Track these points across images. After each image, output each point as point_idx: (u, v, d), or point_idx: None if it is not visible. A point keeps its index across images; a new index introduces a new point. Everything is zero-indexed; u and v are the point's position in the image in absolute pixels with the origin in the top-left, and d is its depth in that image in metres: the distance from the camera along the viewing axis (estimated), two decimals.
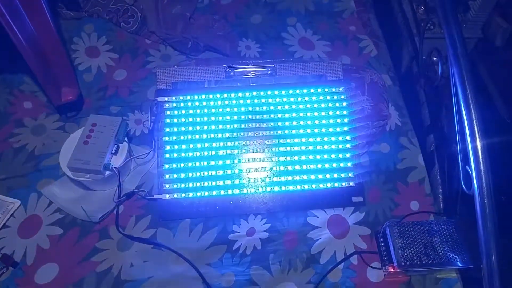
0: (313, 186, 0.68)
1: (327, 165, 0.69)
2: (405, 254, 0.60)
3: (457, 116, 0.63)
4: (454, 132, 0.65)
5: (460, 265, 0.60)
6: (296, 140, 0.70)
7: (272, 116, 0.71)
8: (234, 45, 0.87)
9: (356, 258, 0.64)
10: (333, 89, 0.73)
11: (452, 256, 0.60)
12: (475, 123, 0.60)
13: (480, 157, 0.59)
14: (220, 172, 0.68)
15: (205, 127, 0.70)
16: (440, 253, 0.60)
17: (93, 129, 0.67)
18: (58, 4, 0.88)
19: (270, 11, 0.95)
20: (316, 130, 0.71)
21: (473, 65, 0.76)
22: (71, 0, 0.88)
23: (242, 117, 0.71)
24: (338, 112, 0.72)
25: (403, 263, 0.59)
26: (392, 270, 0.61)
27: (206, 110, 0.71)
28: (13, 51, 0.65)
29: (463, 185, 0.62)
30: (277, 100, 0.72)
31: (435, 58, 0.77)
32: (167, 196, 0.66)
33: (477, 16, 0.81)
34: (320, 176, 0.68)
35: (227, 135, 0.70)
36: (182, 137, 0.69)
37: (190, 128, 0.70)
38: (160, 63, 0.84)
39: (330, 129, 0.71)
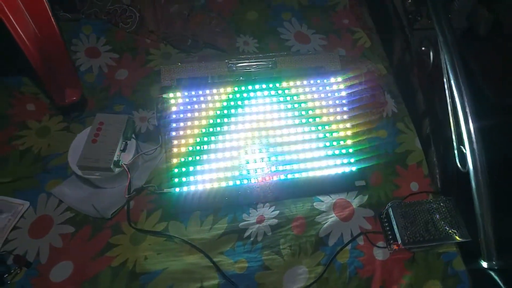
0: (318, 173, 0.70)
1: (330, 152, 0.72)
2: (408, 232, 0.63)
3: (450, 99, 0.67)
4: (447, 116, 0.69)
5: (459, 239, 0.63)
6: (299, 129, 0.72)
7: (275, 107, 0.73)
8: (232, 41, 0.89)
9: (362, 238, 0.67)
10: (332, 80, 0.76)
11: (452, 231, 0.63)
12: (466, 104, 0.64)
13: (473, 136, 0.63)
14: (228, 164, 0.69)
15: (211, 121, 0.72)
16: (440, 229, 0.63)
17: (101, 127, 0.68)
18: (54, 6, 0.88)
19: (265, 6, 0.97)
20: (317, 120, 0.73)
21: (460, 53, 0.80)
22: (68, 2, 0.89)
23: (246, 109, 0.73)
24: (338, 101, 0.75)
25: (407, 241, 0.62)
26: (397, 247, 0.64)
27: (210, 105, 0.73)
28: (12, 54, 0.65)
29: (458, 164, 0.66)
30: (279, 92, 0.74)
31: (426, 48, 0.81)
32: (177, 189, 0.68)
33: (462, 7, 0.85)
34: (324, 163, 0.71)
35: (232, 127, 0.72)
36: (188, 132, 0.71)
37: (196, 122, 0.71)
38: (161, 62, 0.85)
39: (331, 118, 0.74)
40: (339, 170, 0.71)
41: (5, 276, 0.58)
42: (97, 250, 0.63)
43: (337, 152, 0.72)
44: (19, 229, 0.65)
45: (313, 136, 0.72)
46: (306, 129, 0.73)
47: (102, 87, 0.82)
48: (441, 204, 0.66)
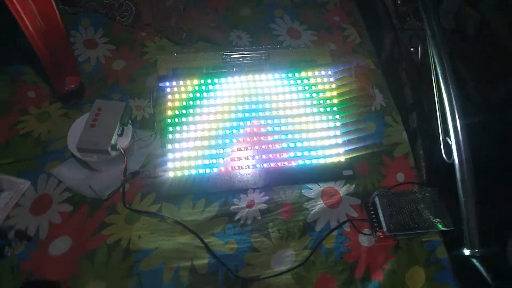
0: (307, 161, 0.73)
1: (319, 142, 0.74)
2: (393, 220, 0.65)
3: (437, 93, 0.70)
4: (434, 110, 0.71)
5: (443, 228, 0.65)
6: (289, 119, 0.75)
7: (266, 97, 0.76)
8: (226, 35, 0.91)
9: (349, 225, 0.69)
10: (323, 72, 0.79)
11: (436, 220, 0.65)
12: (453, 97, 0.66)
13: (459, 128, 0.65)
14: (220, 151, 0.72)
15: (204, 109, 0.75)
16: (425, 218, 0.65)
17: (99, 113, 0.70)
18: None
19: (258, 3, 1.00)
20: (308, 110, 0.76)
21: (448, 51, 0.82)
22: None
23: (239, 98, 0.76)
24: (328, 94, 0.77)
25: (392, 228, 0.64)
26: (382, 235, 0.66)
27: (205, 94, 0.76)
28: (13, 44, 0.67)
29: (444, 156, 0.68)
30: (271, 83, 0.77)
31: (414, 44, 0.84)
32: (171, 174, 0.70)
33: (449, 7, 0.87)
34: (313, 153, 0.73)
35: (225, 115, 0.74)
36: (183, 119, 0.74)
37: (191, 110, 0.74)
38: (156, 54, 0.88)
39: (321, 109, 0.76)
40: (328, 160, 0.73)
41: (5, 249, 0.61)
42: (94, 228, 0.66)
43: (326, 142, 0.74)
44: (20, 207, 0.67)
45: (304, 126, 0.75)
46: (297, 119, 0.75)
47: (100, 77, 0.85)
48: (426, 194, 0.68)
